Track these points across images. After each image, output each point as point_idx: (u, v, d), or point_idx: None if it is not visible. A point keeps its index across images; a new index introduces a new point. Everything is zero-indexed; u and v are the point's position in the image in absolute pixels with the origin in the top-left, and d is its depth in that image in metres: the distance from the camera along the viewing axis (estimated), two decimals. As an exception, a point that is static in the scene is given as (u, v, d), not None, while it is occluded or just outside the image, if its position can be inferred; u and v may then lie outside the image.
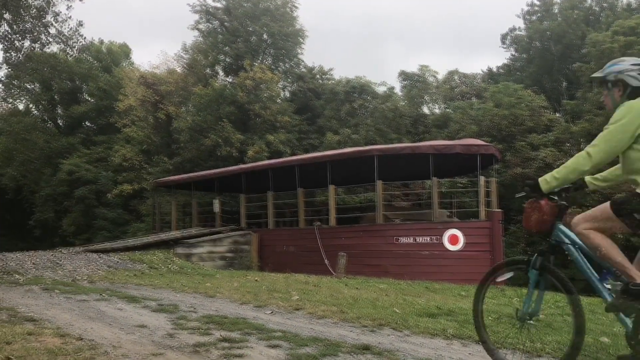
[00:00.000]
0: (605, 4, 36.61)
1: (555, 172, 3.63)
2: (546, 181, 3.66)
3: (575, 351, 3.65)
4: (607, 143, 3.40)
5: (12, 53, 16.32)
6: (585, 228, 3.67)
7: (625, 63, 3.61)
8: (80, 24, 16.82)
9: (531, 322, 3.97)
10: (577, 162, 3.50)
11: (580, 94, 30.06)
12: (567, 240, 3.85)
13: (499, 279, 4.36)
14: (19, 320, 5.63)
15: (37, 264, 12.80)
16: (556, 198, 3.86)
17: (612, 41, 26.99)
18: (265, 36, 36.55)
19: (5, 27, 15.67)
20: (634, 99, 3.47)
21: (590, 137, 27.52)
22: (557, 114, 33.59)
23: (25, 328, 5.14)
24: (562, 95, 35.44)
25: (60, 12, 16.31)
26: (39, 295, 7.78)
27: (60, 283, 9.62)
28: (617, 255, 3.51)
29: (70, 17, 16.46)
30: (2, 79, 24.27)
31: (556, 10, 37.29)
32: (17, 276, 10.50)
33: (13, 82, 38.32)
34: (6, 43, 15.92)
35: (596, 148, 3.41)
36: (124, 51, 46.91)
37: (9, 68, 17.81)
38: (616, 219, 3.49)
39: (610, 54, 26.69)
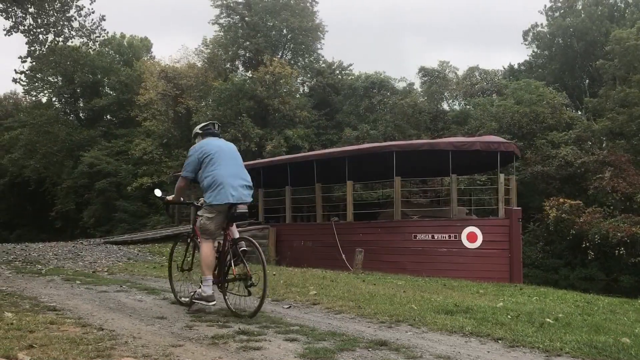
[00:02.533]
0: (630, 0, 36.03)
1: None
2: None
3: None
4: None
5: (36, 46, 16.53)
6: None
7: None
8: (102, 18, 16.98)
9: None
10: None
11: (602, 92, 29.67)
12: None
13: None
14: (41, 310, 5.72)
15: (58, 254, 12.99)
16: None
17: (636, 38, 26.57)
18: (285, 31, 36.58)
19: (30, 20, 15.88)
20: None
21: (611, 135, 27.18)
22: (579, 112, 33.20)
23: (48, 317, 5.23)
24: (584, 92, 35.01)
25: (84, 6, 16.48)
26: (60, 286, 7.89)
27: (81, 274, 9.75)
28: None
29: (93, 11, 16.62)
30: (26, 71, 24.58)
31: (580, 7, 36.79)
32: (39, 266, 10.66)
33: (36, 75, 38.85)
34: (30, 36, 16.12)
35: None
36: (145, 45, 47.27)
37: (32, 61, 18.04)
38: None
39: (635, 52, 26.32)
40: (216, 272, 5.81)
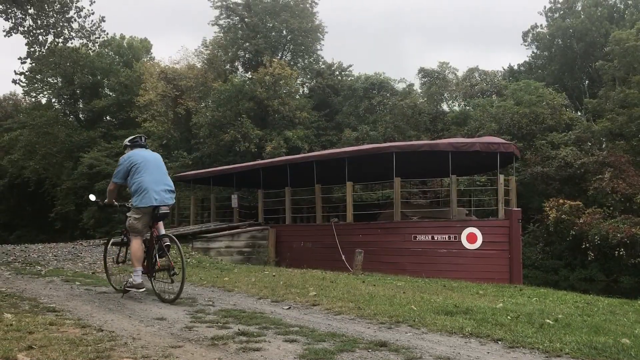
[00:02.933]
0: (630, 1, 36.04)
1: None
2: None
3: None
4: None
5: (36, 47, 16.52)
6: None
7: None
8: (102, 19, 16.99)
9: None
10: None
11: (602, 93, 29.67)
12: None
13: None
14: (40, 311, 5.73)
15: (58, 255, 12.99)
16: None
17: (636, 39, 26.59)
18: (284, 32, 36.59)
19: (30, 21, 15.88)
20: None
21: (611, 136, 27.17)
22: (578, 113, 33.19)
23: (47, 318, 5.23)
24: (584, 93, 35.02)
25: (84, 7, 16.49)
26: (60, 287, 7.90)
27: (80, 275, 9.75)
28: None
29: (92, 12, 16.63)
30: (26, 72, 24.59)
31: (579, 8, 36.80)
32: (38, 267, 10.66)
33: (36, 76, 38.87)
34: (30, 37, 16.12)
35: None
36: (145, 46, 47.30)
37: (32, 62, 18.05)
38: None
39: (634, 53, 26.32)
40: (145, 263, 6.81)
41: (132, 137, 7.23)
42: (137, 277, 6.60)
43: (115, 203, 7.22)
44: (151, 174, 6.72)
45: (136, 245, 6.71)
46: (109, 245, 8.06)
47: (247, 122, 29.26)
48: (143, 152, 6.97)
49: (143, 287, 6.62)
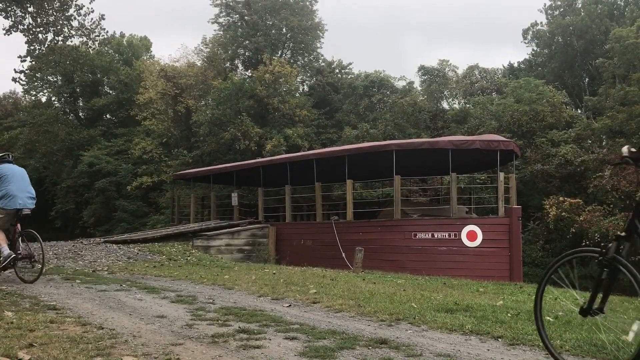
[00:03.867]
0: (630, -1, 36.01)
1: None
2: None
3: None
4: None
5: (35, 45, 16.52)
6: None
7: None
8: (102, 17, 16.99)
9: None
10: None
11: (602, 90, 29.65)
12: None
13: None
14: (41, 309, 5.73)
15: (58, 254, 13.00)
16: None
17: (636, 36, 26.56)
18: (284, 30, 36.58)
19: (29, 19, 15.88)
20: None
21: (611, 133, 27.14)
22: (579, 110, 33.16)
23: (48, 316, 5.23)
24: (584, 91, 34.99)
25: (83, 5, 16.49)
26: (60, 285, 7.91)
27: (81, 273, 9.76)
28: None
29: (92, 11, 16.62)
30: (26, 71, 24.61)
31: (579, 5, 36.77)
32: (38, 266, 10.64)
33: (36, 74, 38.85)
34: (30, 35, 16.12)
35: None
36: (145, 44, 47.26)
37: (32, 60, 18.04)
38: None
39: (635, 50, 26.29)
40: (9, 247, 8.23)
41: (1, 154, 8.77)
42: (5, 250, 8.09)
43: None
44: (17, 183, 8.31)
45: (0, 235, 8.33)
46: None
47: (247, 120, 29.25)
48: (11, 166, 8.52)
49: (12, 255, 8.04)
